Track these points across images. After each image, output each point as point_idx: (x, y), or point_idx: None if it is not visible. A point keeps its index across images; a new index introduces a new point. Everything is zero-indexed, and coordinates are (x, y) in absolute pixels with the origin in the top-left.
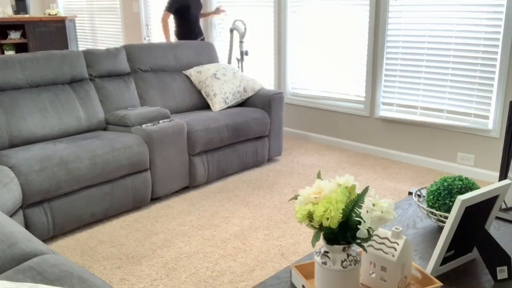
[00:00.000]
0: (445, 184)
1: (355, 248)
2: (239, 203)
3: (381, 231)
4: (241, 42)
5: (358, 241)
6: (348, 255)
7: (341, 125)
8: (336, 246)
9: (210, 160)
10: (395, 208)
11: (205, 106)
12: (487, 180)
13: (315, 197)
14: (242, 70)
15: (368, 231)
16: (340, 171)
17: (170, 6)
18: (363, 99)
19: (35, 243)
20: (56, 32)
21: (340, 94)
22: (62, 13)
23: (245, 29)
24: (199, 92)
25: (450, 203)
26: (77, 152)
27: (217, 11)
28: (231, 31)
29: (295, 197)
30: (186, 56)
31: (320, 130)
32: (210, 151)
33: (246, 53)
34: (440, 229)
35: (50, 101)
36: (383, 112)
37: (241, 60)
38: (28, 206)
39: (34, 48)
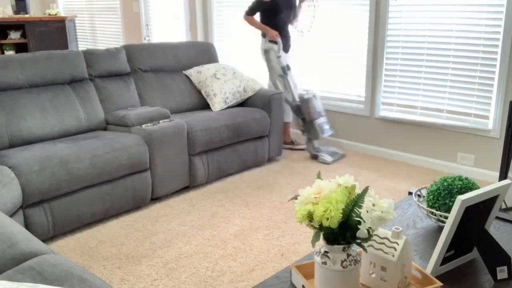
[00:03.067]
0: (445, 184)
1: (355, 248)
2: (239, 203)
3: (381, 231)
4: (278, 57)
5: (358, 241)
6: (348, 255)
7: (341, 125)
8: (336, 246)
9: (210, 160)
10: (395, 208)
11: (205, 106)
12: (487, 180)
13: (315, 197)
14: (288, 87)
15: (368, 231)
16: (340, 171)
17: (251, 10)
18: (363, 99)
19: (35, 243)
20: (56, 32)
21: (340, 94)
22: (62, 13)
23: (279, 43)
24: (199, 92)
25: (450, 203)
26: (77, 152)
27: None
28: (265, 52)
29: (295, 197)
30: (186, 56)
31: None
32: (210, 151)
33: (288, 68)
34: (440, 229)
35: (50, 101)
36: (383, 112)
37: (284, 75)
38: (28, 206)
39: (34, 48)
